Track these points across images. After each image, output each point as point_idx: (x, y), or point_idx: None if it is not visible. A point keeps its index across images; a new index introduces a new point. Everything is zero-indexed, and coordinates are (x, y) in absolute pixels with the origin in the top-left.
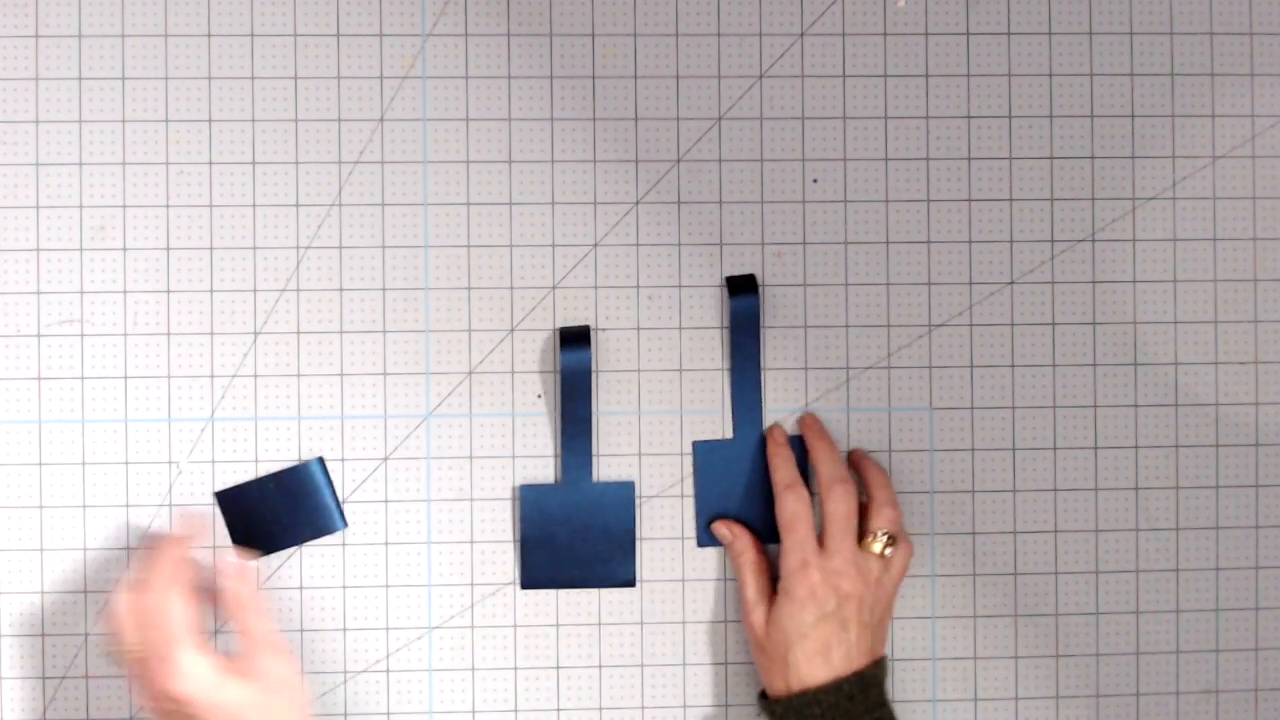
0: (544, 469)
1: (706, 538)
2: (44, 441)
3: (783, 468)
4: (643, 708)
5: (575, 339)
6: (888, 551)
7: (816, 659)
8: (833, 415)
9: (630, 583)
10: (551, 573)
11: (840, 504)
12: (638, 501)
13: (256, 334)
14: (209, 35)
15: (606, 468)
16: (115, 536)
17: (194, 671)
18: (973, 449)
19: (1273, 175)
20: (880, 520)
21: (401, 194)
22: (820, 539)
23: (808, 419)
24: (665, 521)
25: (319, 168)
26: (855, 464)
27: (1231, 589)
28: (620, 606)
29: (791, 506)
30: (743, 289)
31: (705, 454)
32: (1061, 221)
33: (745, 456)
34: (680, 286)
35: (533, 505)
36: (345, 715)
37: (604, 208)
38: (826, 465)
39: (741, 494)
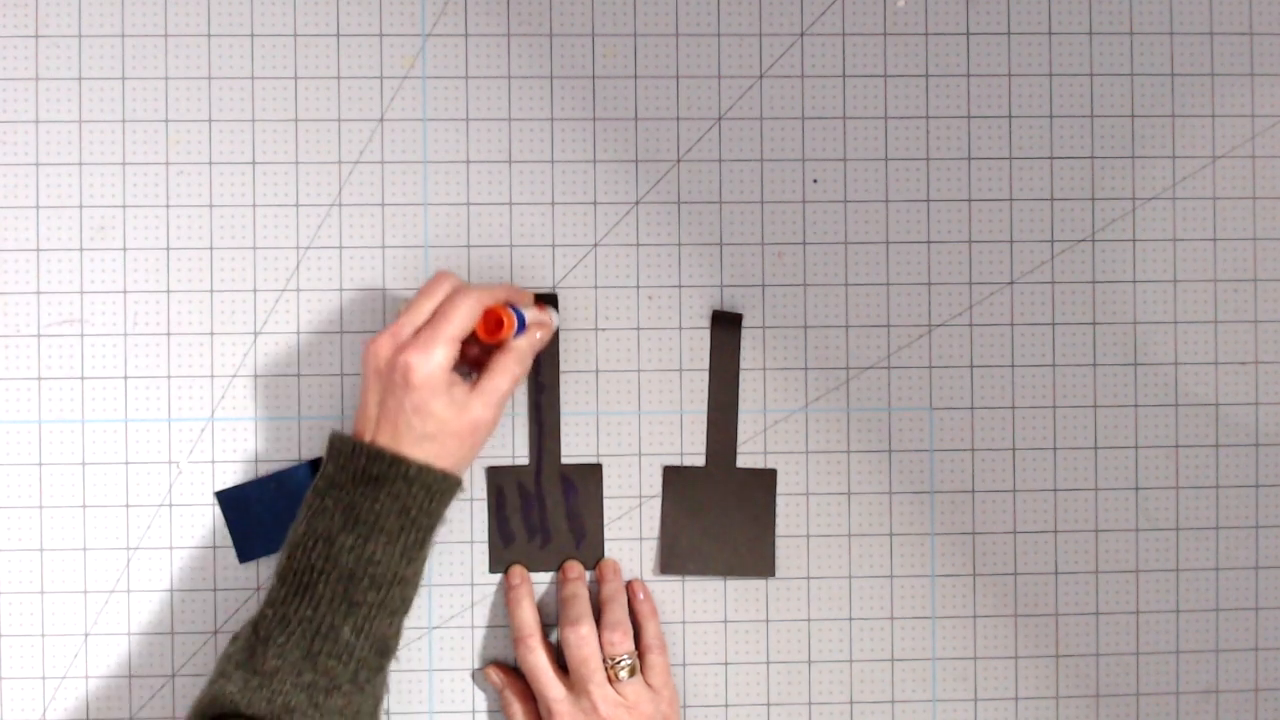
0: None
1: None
2: (44, 441)
3: (515, 616)
4: None
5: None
6: (624, 675)
7: None
8: (832, 415)
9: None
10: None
11: (574, 651)
12: (641, 502)
13: (256, 334)
14: (209, 35)
15: (606, 466)
16: (115, 536)
17: (436, 364)
18: (973, 449)
19: (1273, 175)
20: (609, 647)
21: (401, 194)
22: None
23: (566, 569)
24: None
25: (319, 168)
26: (598, 583)
27: (1231, 589)
28: None
29: (526, 661)
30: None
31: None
32: (1061, 221)
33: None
34: (680, 286)
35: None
36: None
37: (604, 208)
38: (562, 611)
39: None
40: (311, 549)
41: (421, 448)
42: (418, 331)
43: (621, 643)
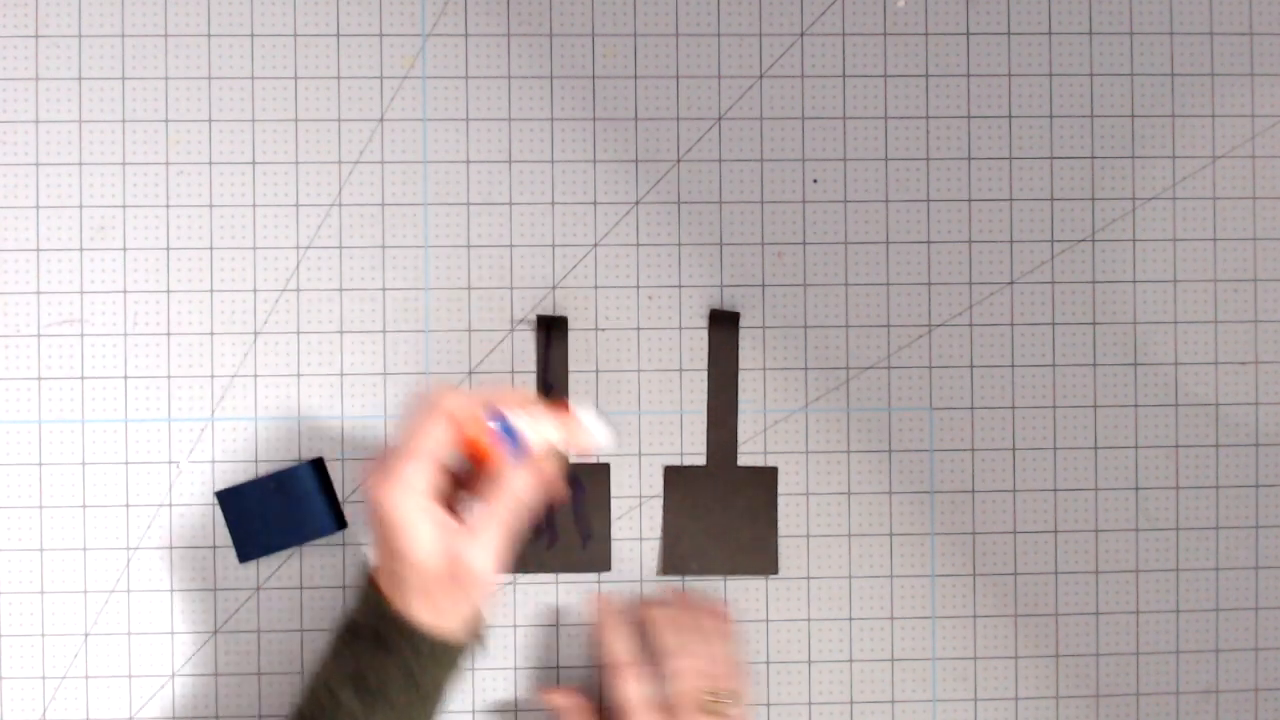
0: None
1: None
2: (44, 441)
3: (612, 645)
4: None
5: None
6: (723, 711)
7: None
8: (832, 415)
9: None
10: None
11: (678, 683)
12: (642, 502)
13: (256, 334)
14: (209, 35)
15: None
16: (115, 536)
17: (399, 496)
18: (973, 449)
19: (1273, 175)
20: (711, 681)
21: (401, 194)
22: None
23: (646, 600)
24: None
25: (319, 168)
26: (686, 611)
27: (1231, 589)
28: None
29: (625, 691)
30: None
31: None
32: (1061, 221)
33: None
34: (680, 286)
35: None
36: None
37: (604, 208)
38: (663, 638)
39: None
40: (320, 697)
41: (418, 602)
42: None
43: (725, 679)
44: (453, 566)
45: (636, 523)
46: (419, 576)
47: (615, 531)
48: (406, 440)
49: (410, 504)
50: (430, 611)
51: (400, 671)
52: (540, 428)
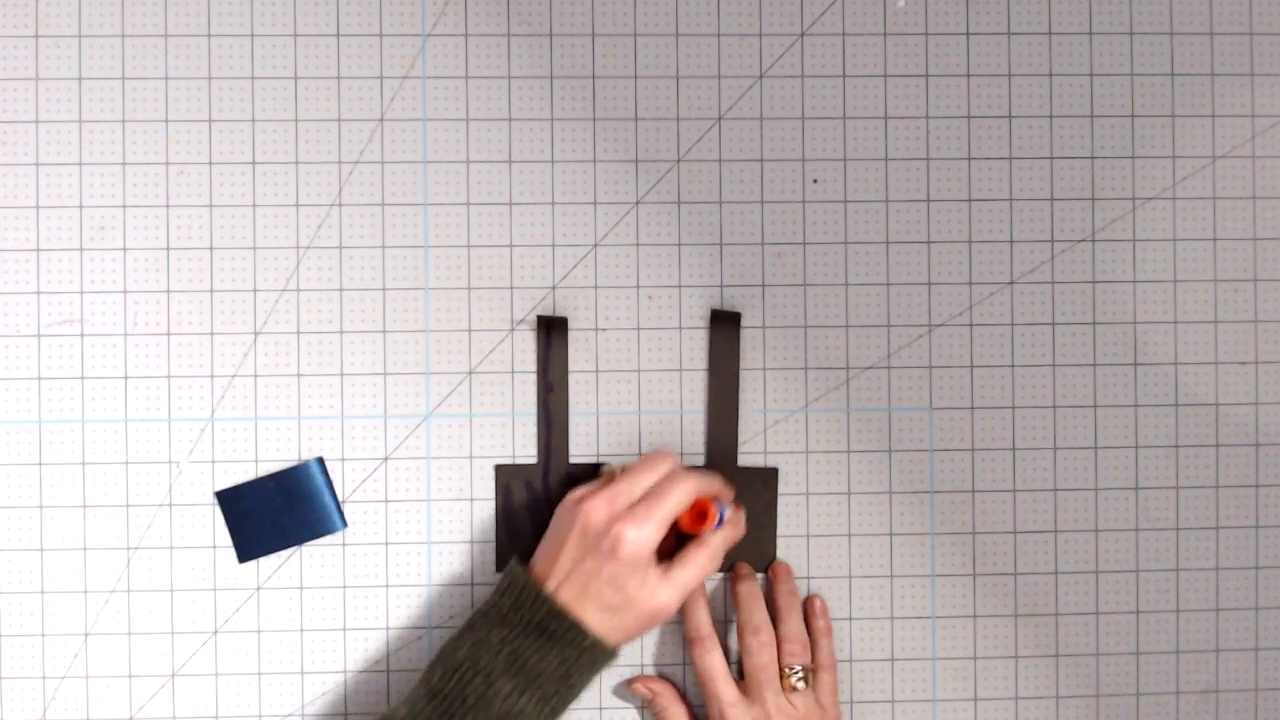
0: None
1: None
2: (44, 441)
3: (693, 615)
4: (644, 708)
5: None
6: (800, 685)
7: None
8: (832, 415)
9: None
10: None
11: (754, 657)
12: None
13: (256, 334)
14: (209, 35)
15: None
16: (115, 536)
17: (645, 542)
18: (973, 449)
19: (1273, 175)
20: (788, 656)
21: (401, 194)
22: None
23: (738, 567)
24: None
25: (319, 168)
26: (771, 586)
27: (1231, 589)
28: None
29: (702, 662)
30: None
31: None
32: (1061, 221)
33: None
34: (680, 286)
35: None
36: (345, 715)
37: (604, 208)
38: (742, 613)
39: None
40: (469, 680)
41: (602, 618)
42: (633, 505)
43: (801, 654)
44: (654, 610)
45: None
46: (623, 605)
47: None
48: (656, 495)
49: (646, 553)
50: (607, 626)
51: (559, 661)
52: (732, 513)
